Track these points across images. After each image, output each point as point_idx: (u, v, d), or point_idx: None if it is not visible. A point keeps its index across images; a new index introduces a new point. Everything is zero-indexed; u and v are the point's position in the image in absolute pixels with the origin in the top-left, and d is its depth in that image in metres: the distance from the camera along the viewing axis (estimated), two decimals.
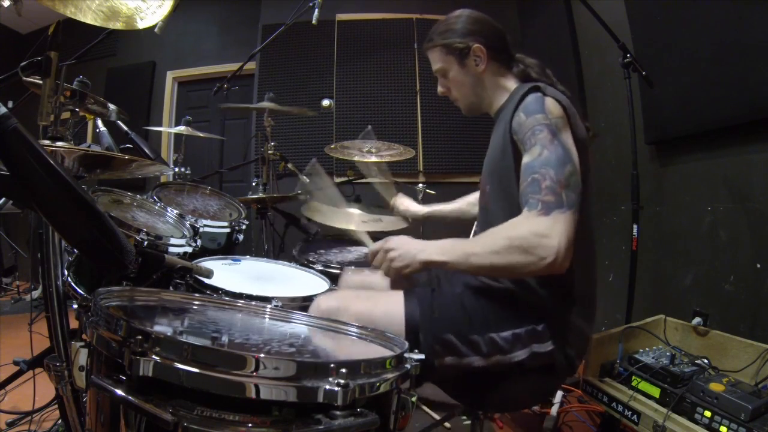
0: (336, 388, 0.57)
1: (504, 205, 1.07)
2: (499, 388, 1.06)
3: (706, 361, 1.37)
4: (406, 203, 1.67)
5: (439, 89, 1.27)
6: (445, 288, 1.15)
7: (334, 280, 1.47)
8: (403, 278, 1.09)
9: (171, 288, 1.16)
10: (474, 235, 1.36)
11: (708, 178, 2.03)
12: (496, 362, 1.01)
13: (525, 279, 1.06)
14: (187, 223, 1.71)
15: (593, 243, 1.13)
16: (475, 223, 1.34)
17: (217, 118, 4.41)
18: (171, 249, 1.49)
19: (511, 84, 1.20)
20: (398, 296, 1.07)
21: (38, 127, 1.02)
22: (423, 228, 2.47)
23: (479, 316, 1.03)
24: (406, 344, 0.79)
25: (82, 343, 0.65)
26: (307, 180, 1.86)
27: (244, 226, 1.96)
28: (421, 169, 3.75)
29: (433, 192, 2.53)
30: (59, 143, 1.01)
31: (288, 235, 2.56)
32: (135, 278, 0.90)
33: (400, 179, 2.92)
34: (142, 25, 1.11)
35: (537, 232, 0.90)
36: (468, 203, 1.57)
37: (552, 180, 0.93)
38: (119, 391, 0.55)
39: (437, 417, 1.78)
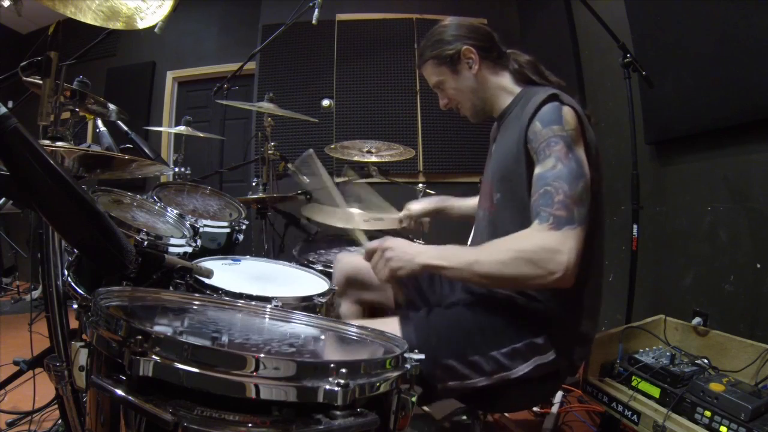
0: (336, 388, 0.57)
1: (515, 213, 1.06)
2: (501, 392, 1.06)
3: (706, 361, 1.37)
4: (413, 205, 1.59)
5: (441, 103, 1.26)
6: (439, 309, 1.13)
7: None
8: (396, 281, 1.07)
9: (171, 288, 1.16)
10: (472, 243, 1.33)
11: (708, 178, 2.03)
12: (500, 379, 1.00)
13: (527, 296, 1.05)
14: (187, 223, 1.71)
15: (603, 254, 1.11)
16: (473, 230, 1.31)
17: (217, 118, 4.41)
18: (171, 249, 1.49)
19: (509, 83, 1.19)
20: (393, 323, 1.05)
21: (38, 127, 1.02)
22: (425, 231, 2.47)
23: (478, 334, 1.02)
24: (406, 344, 0.79)
25: (82, 343, 0.65)
26: (306, 180, 1.82)
27: (244, 226, 1.96)
28: (421, 169, 3.75)
29: (432, 192, 2.53)
30: (59, 143, 1.02)
31: (288, 235, 2.56)
32: (135, 278, 0.90)
33: (400, 179, 2.92)
34: (142, 25, 1.11)
35: (548, 246, 0.89)
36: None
37: (565, 195, 0.92)
38: (119, 391, 0.55)
39: (437, 417, 1.78)
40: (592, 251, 1.01)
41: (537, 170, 0.99)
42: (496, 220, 1.12)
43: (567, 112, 1.00)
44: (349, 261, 1.39)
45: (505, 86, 1.19)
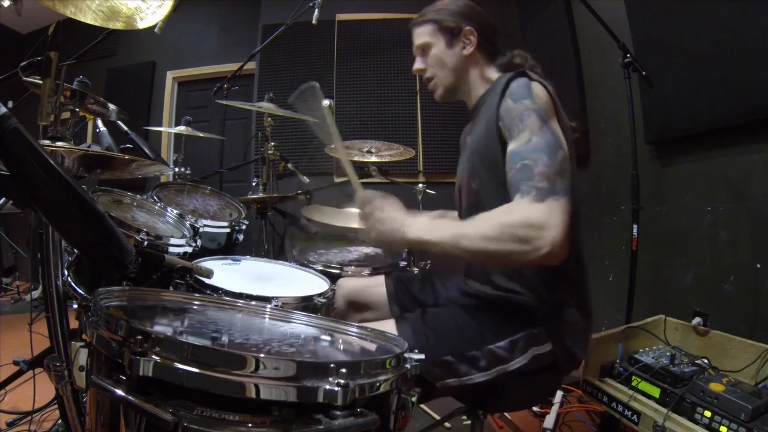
0: (336, 388, 0.57)
1: (497, 195, 1.01)
2: (502, 389, 1.06)
3: (706, 361, 1.37)
4: None
5: (416, 66, 1.23)
6: (433, 309, 1.12)
7: (334, 280, 1.47)
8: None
9: (171, 288, 1.16)
10: None
11: (708, 178, 2.03)
12: (498, 373, 0.99)
13: (517, 282, 1.04)
14: (187, 223, 1.71)
15: (583, 233, 1.09)
16: None
17: (217, 118, 4.41)
18: (171, 249, 1.49)
19: (491, 75, 1.18)
20: (389, 324, 1.05)
21: (38, 127, 1.02)
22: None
23: (474, 331, 1.02)
24: (406, 344, 0.79)
25: (82, 343, 0.65)
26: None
27: (244, 226, 1.96)
28: (421, 169, 3.75)
29: (433, 192, 2.53)
30: (59, 143, 1.02)
31: (288, 235, 2.56)
32: (135, 278, 0.90)
33: (400, 179, 2.92)
34: (142, 25, 1.11)
35: (533, 221, 0.85)
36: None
37: (545, 166, 0.89)
38: (119, 391, 0.55)
39: (437, 417, 1.78)
40: (571, 233, 1.00)
41: (511, 146, 0.96)
42: (480, 207, 1.07)
43: (536, 86, 0.99)
44: (348, 284, 1.41)
45: (487, 77, 1.18)
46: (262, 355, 0.57)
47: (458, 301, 1.12)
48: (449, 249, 0.92)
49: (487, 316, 1.04)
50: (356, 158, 2.42)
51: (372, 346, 0.87)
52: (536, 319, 1.02)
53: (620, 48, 1.88)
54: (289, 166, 2.37)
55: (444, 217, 1.48)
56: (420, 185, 2.54)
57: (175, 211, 1.75)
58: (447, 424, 1.80)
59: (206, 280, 1.15)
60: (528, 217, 0.86)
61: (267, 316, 0.99)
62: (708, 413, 1.12)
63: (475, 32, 1.16)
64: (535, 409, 1.91)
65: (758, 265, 1.73)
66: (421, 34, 1.21)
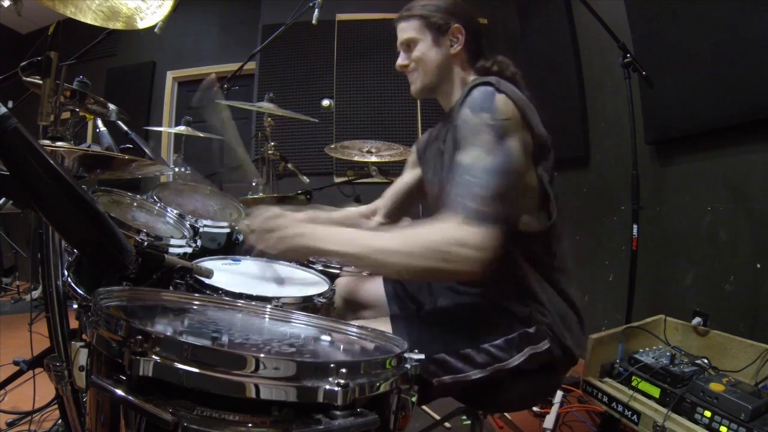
0: (336, 388, 0.57)
1: None
2: (501, 389, 1.06)
3: (706, 361, 1.37)
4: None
5: (400, 62, 1.19)
6: (429, 307, 1.13)
7: (334, 279, 1.47)
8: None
9: (171, 288, 1.16)
10: None
11: (708, 178, 2.03)
12: (495, 371, 0.99)
13: (505, 297, 1.04)
14: (187, 224, 1.71)
15: (564, 244, 1.08)
16: None
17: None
18: (171, 249, 1.49)
19: (470, 78, 1.16)
20: (385, 323, 1.04)
21: (38, 127, 1.02)
22: None
23: (468, 329, 1.02)
24: (406, 344, 0.78)
25: (82, 343, 0.65)
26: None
27: None
28: None
29: None
30: (59, 143, 1.02)
31: None
32: (135, 278, 0.90)
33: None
34: (142, 25, 1.11)
35: (460, 241, 0.84)
36: (360, 213, 1.43)
37: (487, 189, 0.86)
38: (119, 391, 0.55)
39: (437, 417, 1.78)
40: (558, 243, 1.02)
41: (459, 157, 0.92)
42: None
43: (500, 100, 0.95)
44: (345, 284, 1.41)
45: (465, 81, 1.17)
46: (262, 355, 0.57)
47: (453, 299, 1.12)
48: (362, 262, 0.91)
49: (482, 314, 1.04)
50: (356, 158, 2.42)
51: (372, 346, 0.87)
52: (530, 320, 1.02)
53: (620, 48, 1.88)
54: (289, 166, 2.37)
55: (318, 216, 1.38)
56: None
57: (175, 212, 1.75)
58: (447, 424, 1.80)
59: (206, 280, 1.15)
60: (456, 239, 0.84)
61: (267, 316, 0.99)
62: (708, 413, 1.12)
63: (463, 30, 1.14)
64: (535, 409, 1.91)
65: (758, 265, 1.73)
66: (407, 29, 1.17)
